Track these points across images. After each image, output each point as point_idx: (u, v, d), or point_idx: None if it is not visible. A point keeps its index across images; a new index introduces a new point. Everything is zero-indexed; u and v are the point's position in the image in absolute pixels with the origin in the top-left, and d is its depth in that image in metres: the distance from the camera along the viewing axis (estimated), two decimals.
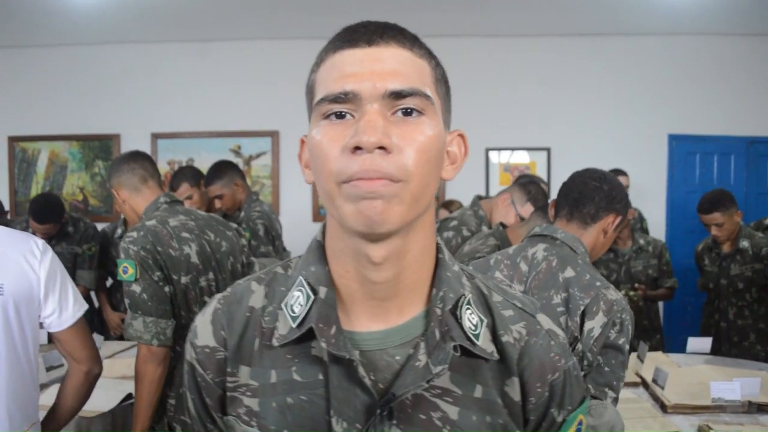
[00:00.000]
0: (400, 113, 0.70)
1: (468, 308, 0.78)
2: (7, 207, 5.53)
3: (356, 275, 0.76)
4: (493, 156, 5.46)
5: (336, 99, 0.70)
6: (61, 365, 2.70)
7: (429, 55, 0.76)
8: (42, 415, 1.85)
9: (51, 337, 1.82)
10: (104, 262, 3.98)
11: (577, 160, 5.19)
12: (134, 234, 2.09)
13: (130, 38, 5.40)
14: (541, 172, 5.25)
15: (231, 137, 5.51)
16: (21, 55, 5.58)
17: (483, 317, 0.79)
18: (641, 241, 3.90)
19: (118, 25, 5.04)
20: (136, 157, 2.32)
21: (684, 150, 5.37)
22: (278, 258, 3.47)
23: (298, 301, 0.78)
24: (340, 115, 0.71)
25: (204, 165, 5.41)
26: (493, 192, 5.13)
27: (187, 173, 3.65)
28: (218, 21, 5.02)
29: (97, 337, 3.97)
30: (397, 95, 0.70)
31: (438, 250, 0.81)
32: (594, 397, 1.63)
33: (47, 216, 3.66)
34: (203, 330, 0.82)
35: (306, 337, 0.76)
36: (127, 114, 5.51)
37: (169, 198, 2.26)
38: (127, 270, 2.04)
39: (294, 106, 6.06)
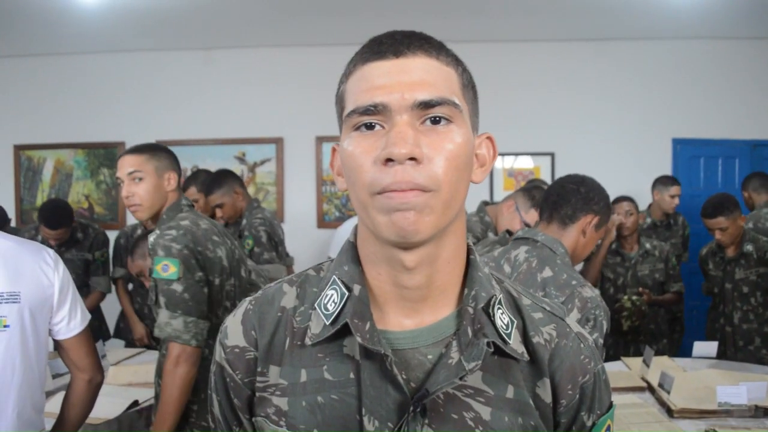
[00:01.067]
0: (429, 122, 0.72)
1: (499, 308, 0.79)
2: (13, 215, 5.56)
3: (389, 278, 0.77)
4: (497, 161, 5.46)
5: (366, 111, 0.72)
6: (67, 372, 2.70)
7: (456, 61, 0.78)
8: (47, 423, 1.86)
9: (56, 346, 1.83)
10: (123, 265, 3.90)
11: (581, 165, 5.19)
12: (173, 232, 2.04)
13: (134, 46, 5.43)
14: (545, 177, 5.24)
15: (235, 144, 5.53)
16: (26, 64, 5.61)
17: (513, 318, 0.80)
18: (648, 246, 3.88)
19: (122, 33, 5.06)
20: (166, 153, 2.24)
21: (688, 154, 5.36)
22: (282, 264, 3.47)
23: (332, 299, 0.79)
24: (370, 126, 0.72)
25: None
26: (497, 197, 5.14)
27: (199, 177, 3.66)
28: (222, 29, 5.05)
29: (117, 342, 4.01)
30: (426, 105, 0.71)
31: (469, 251, 0.82)
32: None
33: (59, 221, 3.68)
34: (234, 330, 0.83)
35: (338, 335, 0.77)
36: (132, 122, 5.53)
37: (188, 202, 2.24)
38: (167, 268, 1.99)
39: (298, 113, 6.12)
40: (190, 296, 2.00)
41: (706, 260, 3.73)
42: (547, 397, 0.79)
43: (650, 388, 2.61)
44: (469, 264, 0.81)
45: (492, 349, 0.75)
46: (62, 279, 1.74)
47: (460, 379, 0.73)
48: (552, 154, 5.39)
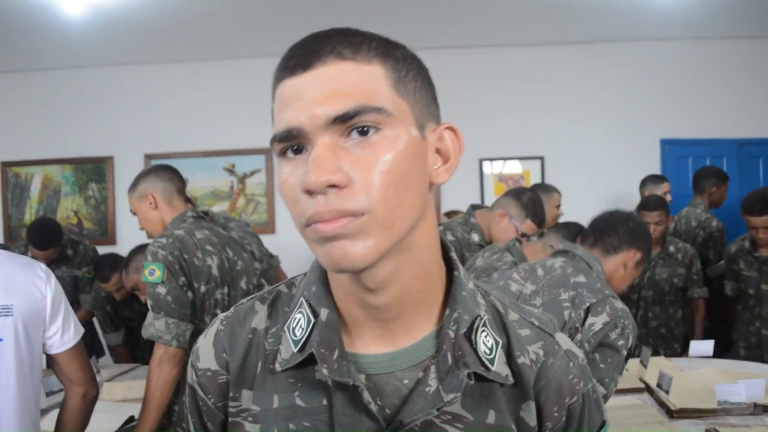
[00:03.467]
0: (356, 134, 0.64)
1: (484, 330, 0.73)
2: (0, 233, 5.51)
3: (355, 299, 0.72)
4: (487, 166, 5.47)
5: (283, 138, 0.65)
6: (61, 390, 2.67)
7: (383, 53, 0.68)
8: None
9: (49, 362, 1.81)
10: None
11: (570, 168, 5.24)
12: (163, 240, 2.18)
13: (121, 60, 5.40)
14: (535, 181, 5.26)
15: (225, 156, 5.50)
16: (11, 79, 5.57)
17: (498, 338, 0.74)
18: (671, 248, 3.71)
19: (108, 47, 5.04)
20: (173, 170, 2.42)
21: (676, 154, 5.39)
22: None
23: (299, 323, 0.74)
24: (297, 150, 0.66)
25: (199, 185, 5.45)
26: (488, 202, 5.14)
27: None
28: (209, 41, 5.04)
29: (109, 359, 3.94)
30: (342, 119, 0.63)
31: (452, 266, 0.76)
32: None
33: (47, 241, 3.64)
34: (205, 352, 0.79)
35: (309, 361, 0.72)
36: (120, 136, 5.50)
37: (195, 213, 2.36)
38: (153, 272, 2.12)
39: None
40: (172, 299, 2.12)
41: (736, 259, 3.52)
42: (532, 420, 0.75)
43: (648, 389, 2.61)
44: (452, 281, 0.75)
45: (473, 381, 0.70)
46: (54, 292, 1.74)
47: (438, 410, 0.69)
48: (542, 158, 5.41)
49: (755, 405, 2.30)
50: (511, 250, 2.61)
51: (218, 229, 2.43)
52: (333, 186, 0.62)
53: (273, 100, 0.69)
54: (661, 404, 2.42)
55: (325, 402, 0.72)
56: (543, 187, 3.93)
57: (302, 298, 0.76)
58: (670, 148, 5.39)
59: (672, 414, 2.30)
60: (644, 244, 2.03)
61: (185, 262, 2.17)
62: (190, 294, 2.17)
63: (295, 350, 0.73)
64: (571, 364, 0.77)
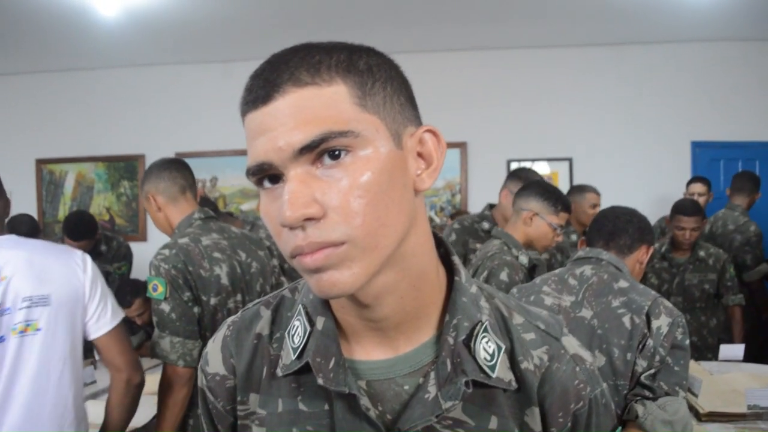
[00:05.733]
0: (327, 159, 0.62)
1: (485, 336, 0.72)
2: None
3: (353, 311, 0.71)
4: (515, 168, 5.45)
5: (256, 172, 0.64)
6: (93, 382, 2.73)
7: (345, 69, 0.64)
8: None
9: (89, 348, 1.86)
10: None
11: (599, 170, 5.20)
12: (166, 252, 2.04)
13: (153, 60, 5.50)
14: (563, 183, 5.23)
15: None
16: (47, 79, 5.70)
17: (501, 343, 0.73)
18: (701, 253, 3.56)
19: (141, 47, 5.13)
20: (178, 165, 2.23)
21: (707, 157, 5.32)
22: None
23: (297, 331, 0.74)
24: (274, 178, 0.64)
25: (228, 183, 5.51)
26: None
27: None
28: (240, 42, 5.09)
29: None
30: (309, 148, 0.61)
31: (454, 271, 0.75)
32: (667, 394, 1.73)
33: (82, 233, 3.71)
34: (214, 357, 0.80)
35: (308, 367, 0.72)
36: (152, 134, 5.59)
37: (204, 214, 2.19)
38: (156, 288, 1.99)
39: None
40: (177, 316, 1.99)
41: None
42: (537, 426, 0.73)
43: None
44: (453, 286, 0.74)
45: (470, 390, 0.69)
46: (92, 277, 1.76)
47: (437, 417, 0.68)
48: (570, 160, 5.38)
49: None
50: (494, 234, 2.59)
51: (230, 228, 2.26)
52: (310, 219, 0.61)
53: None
54: (690, 407, 2.40)
55: (327, 407, 0.72)
56: (577, 188, 3.89)
57: (300, 306, 0.76)
58: (701, 150, 5.32)
59: (701, 417, 2.28)
60: (652, 237, 2.03)
61: (190, 275, 2.02)
62: (197, 309, 2.03)
63: (294, 358, 0.73)
64: (577, 368, 0.75)
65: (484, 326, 0.72)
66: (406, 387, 0.71)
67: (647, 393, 1.74)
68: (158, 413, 2.03)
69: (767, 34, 5.09)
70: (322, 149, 0.61)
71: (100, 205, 5.74)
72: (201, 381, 0.82)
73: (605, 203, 4.41)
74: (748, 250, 3.88)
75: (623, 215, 2.02)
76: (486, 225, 2.99)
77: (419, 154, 0.68)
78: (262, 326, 0.79)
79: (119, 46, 5.04)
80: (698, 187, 4.31)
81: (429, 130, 0.69)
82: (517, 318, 0.77)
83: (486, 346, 0.71)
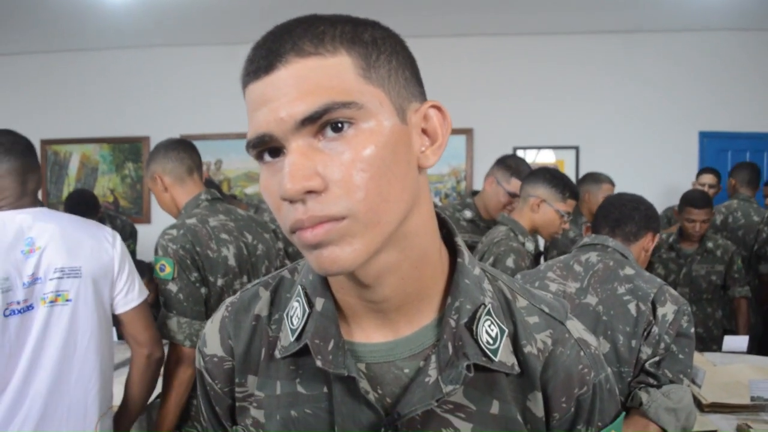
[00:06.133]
0: (329, 131, 0.60)
1: (488, 319, 0.70)
2: None
3: (353, 291, 0.69)
4: (520, 155, 5.43)
5: (256, 144, 0.63)
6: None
7: (349, 40, 0.63)
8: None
9: (116, 323, 1.88)
10: None
11: (605, 159, 5.17)
12: (174, 232, 2.03)
13: (158, 42, 5.47)
14: (569, 171, 5.21)
15: None
16: (52, 60, 5.68)
17: (504, 327, 0.71)
18: (709, 244, 3.53)
19: (147, 29, 5.11)
20: (185, 145, 2.22)
21: (715, 147, 5.29)
22: None
23: (296, 312, 0.73)
24: (274, 151, 0.63)
25: (233, 166, 5.50)
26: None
27: None
28: (246, 24, 5.04)
29: None
30: (312, 119, 0.59)
31: (456, 253, 0.73)
32: (671, 382, 1.72)
33: (83, 211, 3.70)
34: (212, 338, 0.79)
35: (307, 349, 0.70)
36: (157, 116, 5.58)
37: (210, 195, 2.18)
38: (164, 268, 1.99)
39: None
40: (184, 297, 1.99)
41: None
42: (539, 411, 0.72)
43: None
44: (455, 268, 0.72)
45: (472, 374, 0.67)
46: (120, 253, 1.80)
47: (437, 401, 0.67)
48: (576, 148, 5.35)
49: None
50: (500, 220, 2.57)
51: (237, 210, 2.25)
52: (311, 192, 0.59)
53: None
54: (693, 398, 2.39)
55: (325, 390, 0.72)
56: (592, 177, 3.84)
57: (299, 286, 0.75)
58: (709, 141, 5.29)
59: (703, 408, 2.28)
60: (658, 224, 2.03)
61: (198, 256, 2.01)
62: (204, 290, 2.03)
63: (292, 339, 0.72)
64: (582, 353, 0.74)
65: (486, 309, 0.71)
66: (407, 370, 0.70)
67: (651, 380, 1.74)
68: (163, 393, 2.05)
69: None
70: (325, 120, 0.59)
71: (105, 186, 5.74)
72: (199, 362, 0.81)
73: (611, 192, 4.41)
74: None
75: (630, 202, 2.01)
76: (468, 214, 2.92)
77: (424, 131, 0.67)
78: (261, 307, 0.78)
79: (125, 27, 5.02)
80: (709, 179, 4.28)
81: (434, 106, 0.67)
82: (520, 301, 0.75)
83: (489, 329, 0.70)
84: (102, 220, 3.94)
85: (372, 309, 0.70)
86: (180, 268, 1.99)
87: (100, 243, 1.76)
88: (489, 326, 0.70)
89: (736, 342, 3.07)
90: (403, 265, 0.67)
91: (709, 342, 3.52)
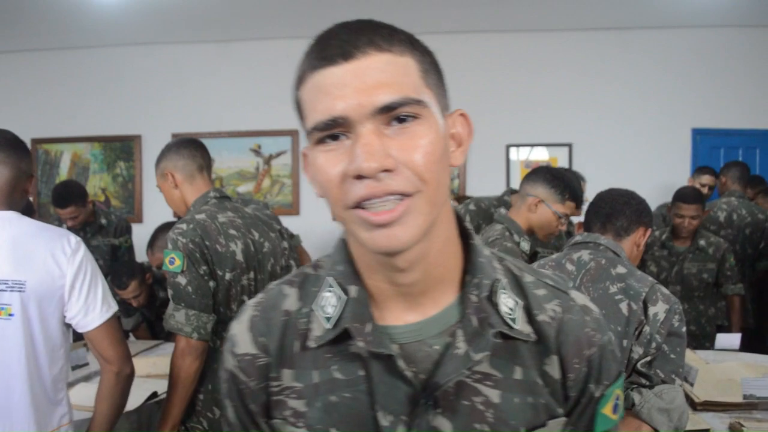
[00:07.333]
0: (395, 122, 0.68)
1: (503, 292, 0.78)
2: None
3: (384, 278, 0.76)
4: (513, 153, 5.43)
5: (326, 126, 0.68)
6: (86, 364, 2.71)
7: (411, 45, 0.71)
8: (76, 414, 1.86)
9: (76, 336, 1.81)
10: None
11: (599, 156, 5.18)
12: (183, 226, 2.06)
13: (150, 40, 5.44)
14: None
15: (251, 137, 5.53)
16: (42, 58, 5.64)
17: (518, 299, 0.79)
18: (701, 242, 3.54)
19: (138, 26, 5.07)
20: (197, 144, 2.27)
21: (708, 144, 5.30)
22: None
23: (329, 302, 0.78)
24: (334, 137, 0.69)
25: (225, 165, 5.48)
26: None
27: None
28: (238, 22, 5.04)
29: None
30: (388, 109, 0.67)
31: (467, 236, 0.80)
32: (663, 382, 1.71)
33: (67, 199, 3.66)
34: (242, 338, 0.83)
35: (342, 336, 0.76)
36: (149, 115, 5.55)
37: (219, 193, 2.23)
38: (174, 261, 2.01)
39: None
40: (193, 289, 2.01)
41: None
42: (556, 373, 0.79)
43: None
44: (469, 249, 0.80)
45: (499, 340, 0.75)
46: (77, 269, 1.68)
47: (469, 369, 0.74)
48: (569, 145, 5.35)
49: None
50: (496, 218, 2.54)
51: (244, 209, 2.30)
52: (385, 170, 0.66)
53: (301, 84, 0.72)
54: (686, 396, 2.39)
55: (362, 372, 0.76)
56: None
57: (330, 278, 0.80)
58: (702, 138, 5.30)
59: (696, 406, 2.27)
60: (650, 218, 2.01)
61: (207, 249, 2.05)
62: (212, 283, 2.06)
63: (329, 327, 0.77)
64: (587, 317, 0.81)
65: (501, 284, 0.78)
66: (436, 347, 0.76)
67: (643, 381, 1.73)
68: (170, 386, 2.03)
69: None
70: (398, 112, 0.67)
71: (96, 185, 5.71)
72: (230, 363, 0.84)
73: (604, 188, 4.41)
74: None
75: (620, 197, 2.00)
76: (504, 211, 2.91)
77: (452, 135, 0.76)
78: (290, 303, 0.82)
79: (117, 24, 4.99)
80: (708, 179, 4.32)
81: (462, 114, 0.78)
82: (527, 277, 0.82)
83: (506, 301, 0.77)
84: (97, 215, 3.91)
85: (401, 293, 0.76)
86: (189, 261, 2.01)
87: (54, 256, 1.65)
88: (505, 299, 0.78)
89: (729, 340, 3.07)
90: (431, 250, 0.74)
91: (702, 339, 3.52)
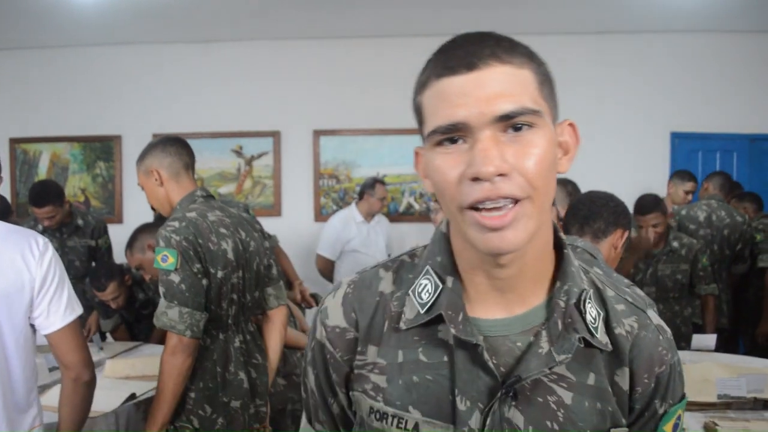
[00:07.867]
0: (511, 130, 0.73)
1: (589, 302, 0.83)
2: None
3: (481, 272, 0.81)
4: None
5: (447, 130, 0.73)
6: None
7: (529, 58, 0.77)
8: (48, 416, 1.83)
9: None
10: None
11: (577, 159, 5.13)
12: (176, 224, 2.06)
13: (131, 39, 5.40)
14: None
15: (233, 137, 5.50)
16: (22, 57, 5.57)
17: (600, 310, 0.84)
18: (674, 244, 3.60)
19: (119, 26, 5.03)
20: (182, 143, 2.27)
21: (686, 148, 5.36)
22: None
23: (425, 288, 0.83)
24: (452, 140, 0.74)
25: (206, 166, 5.45)
26: None
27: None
28: (220, 22, 5.02)
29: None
30: (506, 117, 0.72)
31: (562, 244, 0.85)
32: None
33: (45, 198, 3.61)
34: (334, 311, 0.89)
35: (432, 321, 0.82)
36: (129, 115, 5.51)
37: (205, 192, 2.25)
38: (167, 258, 2.01)
39: (296, 106, 6.07)
40: (186, 287, 2.02)
41: None
42: (625, 384, 0.83)
43: None
44: (562, 257, 0.85)
45: (582, 345, 0.80)
46: (46, 270, 1.66)
47: (549, 368, 0.78)
48: None
49: (755, 399, 2.29)
50: None
51: (229, 209, 2.32)
52: (501, 174, 0.71)
53: (423, 90, 0.77)
54: None
55: (445, 358, 0.82)
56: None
57: (428, 266, 0.85)
58: (680, 141, 5.35)
59: None
60: (628, 220, 2.04)
61: (200, 248, 2.06)
62: (205, 281, 2.07)
63: (422, 312, 0.82)
64: (660, 337, 0.85)
65: (589, 294, 0.83)
66: (519, 344, 0.81)
67: None
68: (159, 382, 2.03)
69: (749, 27, 5.12)
70: (514, 122, 0.72)
71: (75, 186, 5.65)
72: (320, 333, 0.89)
73: (583, 191, 4.44)
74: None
75: (599, 199, 2.03)
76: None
77: (559, 143, 0.80)
78: (385, 286, 0.88)
79: (97, 24, 4.94)
80: (692, 186, 4.40)
81: (570, 124, 0.83)
82: (609, 291, 0.87)
83: (590, 311, 0.82)
84: (74, 216, 3.87)
85: (494, 288, 0.81)
86: (183, 259, 2.02)
87: (22, 257, 1.62)
88: (591, 308, 0.83)
89: (705, 340, 3.11)
90: (530, 251, 0.79)
91: (678, 339, 3.47)
